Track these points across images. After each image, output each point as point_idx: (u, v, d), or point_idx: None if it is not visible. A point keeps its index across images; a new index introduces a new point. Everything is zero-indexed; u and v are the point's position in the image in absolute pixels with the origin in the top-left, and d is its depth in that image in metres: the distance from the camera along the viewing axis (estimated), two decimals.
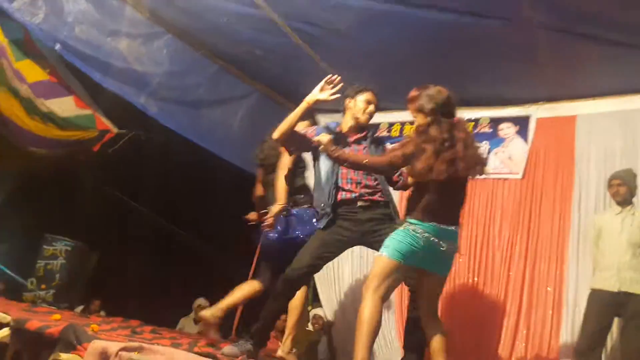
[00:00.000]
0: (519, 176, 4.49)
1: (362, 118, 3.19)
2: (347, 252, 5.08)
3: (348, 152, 2.91)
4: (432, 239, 2.55)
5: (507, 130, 4.62)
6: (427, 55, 4.02)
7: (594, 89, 4.23)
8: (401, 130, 5.09)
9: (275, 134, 3.09)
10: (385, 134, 5.17)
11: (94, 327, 2.68)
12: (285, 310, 3.44)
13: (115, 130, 5.15)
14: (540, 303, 4.18)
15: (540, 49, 3.67)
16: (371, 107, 3.21)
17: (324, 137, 2.80)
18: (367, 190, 3.02)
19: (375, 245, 2.84)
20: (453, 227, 2.63)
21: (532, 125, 4.51)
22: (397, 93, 4.73)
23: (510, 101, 4.59)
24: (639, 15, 3.20)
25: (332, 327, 5.07)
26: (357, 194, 3.01)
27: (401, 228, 2.62)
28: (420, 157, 2.57)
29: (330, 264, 5.09)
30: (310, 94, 3.03)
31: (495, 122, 4.67)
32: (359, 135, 3.18)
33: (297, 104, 5.57)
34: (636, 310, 3.44)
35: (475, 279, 4.49)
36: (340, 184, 3.03)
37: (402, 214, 2.81)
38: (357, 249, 5.08)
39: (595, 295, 3.60)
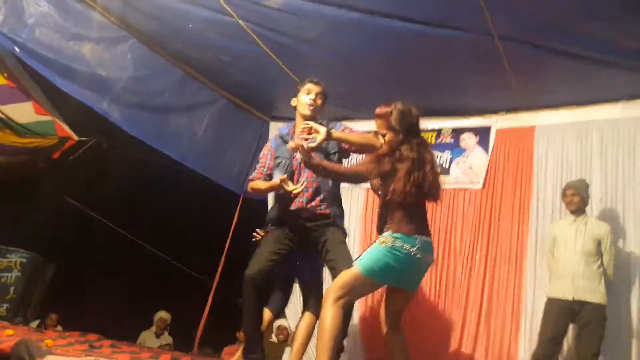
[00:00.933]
0: (479, 186, 4.59)
1: (306, 112, 3.09)
2: None
3: (325, 162, 2.86)
4: (415, 254, 2.55)
5: (468, 140, 4.72)
6: (393, 65, 4.10)
7: (553, 100, 4.37)
8: None
9: (249, 189, 3.27)
10: None
11: (48, 342, 2.60)
12: (260, 316, 3.22)
13: (76, 137, 5.03)
14: (500, 310, 4.24)
15: (501, 60, 3.79)
16: (311, 96, 3.10)
17: (299, 141, 2.72)
18: (315, 204, 3.02)
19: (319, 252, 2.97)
20: (430, 239, 2.68)
21: (492, 136, 4.62)
22: (364, 102, 4.85)
23: (472, 111, 4.70)
24: (598, 28, 3.33)
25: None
26: (305, 205, 3.01)
27: (380, 244, 2.58)
28: (394, 176, 2.59)
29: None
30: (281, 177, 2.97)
31: (457, 132, 4.78)
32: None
33: (263, 112, 5.63)
34: (589, 317, 3.54)
35: (437, 286, 4.54)
36: (302, 194, 2.98)
37: (375, 229, 2.80)
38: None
39: (552, 304, 3.69)
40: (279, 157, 3.11)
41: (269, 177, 3.14)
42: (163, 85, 4.58)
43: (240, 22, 3.89)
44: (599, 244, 3.67)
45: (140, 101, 4.47)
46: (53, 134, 4.97)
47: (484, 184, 4.57)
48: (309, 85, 3.14)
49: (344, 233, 3.10)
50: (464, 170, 4.68)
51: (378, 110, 2.74)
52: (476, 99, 4.54)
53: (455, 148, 4.74)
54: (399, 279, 2.62)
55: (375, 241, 2.63)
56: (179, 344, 6.00)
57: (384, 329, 2.76)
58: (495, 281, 4.33)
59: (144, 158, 5.05)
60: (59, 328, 6.35)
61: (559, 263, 3.74)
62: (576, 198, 3.81)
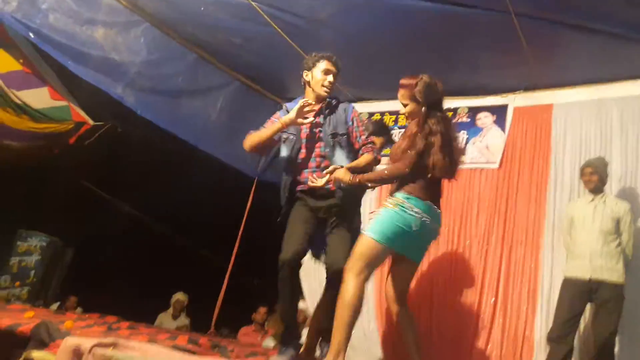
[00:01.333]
0: (496, 165, 4.53)
1: (320, 91, 3.00)
2: None
3: (367, 174, 2.78)
4: (424, 218, 2.56)
5: (484, 119, 4.66)
6: (407, 44, 4.04)
7: (571, 77, 4.28)
8: (381, 120, 5.10)
9: (246, 146, 3.02)
10: None
11: (68, 324, 2.64)
12: (297, 301, 3.20)
13: (91, 122, 5.06)
14: (516, 291, 4.20)
15: (518, 38, 3.72)
16: (330, 78, 3.00)
17: (339, 173, 2.73)
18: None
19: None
20: (439, 211, 2.65)
21: (509, 115, 4.55)
22: (377, 83, 4.81)
23: (488, 90, 4.63)
24: (616, 3, 3.25)
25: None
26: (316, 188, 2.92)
27: (391, 207, 2.56)
28: (429, 150, 2.59)
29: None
30: (287, 116, 2.92)
31: (473, 111, 4.72)
32: (313, 109, 2.98)
33: (276, 94, 5.60)
34: (607, 296, 3.50)
35: (453, 267, 4.53)
36: (307, 170, 2.96)
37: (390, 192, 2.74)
38: None
39: (568, 283, 3.65)
40: (286, 132, 3.02)
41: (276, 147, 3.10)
42: (176, 68, 4.58)
43: (253, 3, 3.86)
44: (617, 222, 3.60)
45: (154, 85, 4.47)
46: (68, 119, 5.00)
47: (500, 164, 4.51)
48: (326, 64, 3.02)
49: (353, 221, 3.02)
50: (480, 150, 4.62)
51: (403, 81, 2.75)
52: (493, 78, 4.47)
53: (472, 127, 4.67)
54: (409, 245, 2.63)
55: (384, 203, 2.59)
56: (196, 325, 6.08)
57: (393, 307, 2.76)
58: (511, 262, 4.29)
59: (159, 142, 5.08)
60: (79, 310, 6.47)
61: (576, 242, 3.69)
62: (594, 177, 3.74)
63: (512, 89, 4.57)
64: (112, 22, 4.12)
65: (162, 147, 5.18)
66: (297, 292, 3.01)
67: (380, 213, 2.59)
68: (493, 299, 4.28)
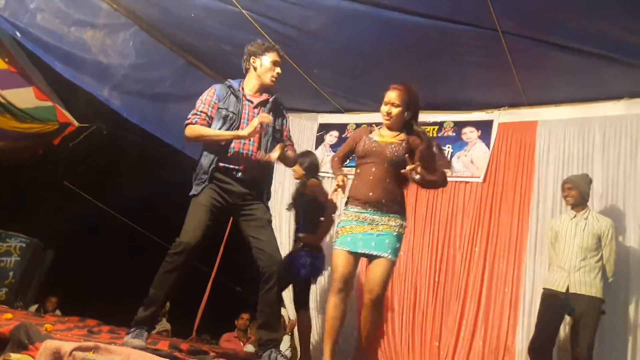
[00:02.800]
0: (480, 179, 4.60)
1: (267, 80, 3.04)
2: None
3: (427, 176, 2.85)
4: None
5: (470, 134, 4.72)
6: (396, 58, 4.08)
7: (555, 96, 4.38)
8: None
9: (187, 134, 2.98)
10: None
11: (48, 327, 2.61)
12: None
13: (76, 123, 5.01)
14: (498, 302, 4.28)
15: (505, 55, 3.78)
16: (277, 69, 3.06)
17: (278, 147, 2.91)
18: (249, 167, 2.92)
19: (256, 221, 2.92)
20: None
21: (494, 130, 4.62)
22: (365, 95, 4.85)
23: (474, 106, 4.70)
24: (602, 25, 3.32)
25: (294, 327, 5.05)
26: (237, 166, 2.90)
27: (400, 232, 2.83)
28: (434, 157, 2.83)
29: None
30: (243, 131, 2.87)
31: (459, 126, 4.78)
32: (261, 99, 3.03)
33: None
34: (584, 309, 3.58)
35: (436, 278, 4.58)
36: (233, 154, 2.91)
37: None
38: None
39: (547, 295, 3.75)
40: (224, 109, 2.97)
41: (209, 118, 2.99)
42: (164, 73, 4.57)
43: (244, 11, 3.87)
44: (599, 238, 3.69)
45: (141, 89, 4.45)
46: (53, 120, 4.95)
47: (484, 178, 4.58)
48: (276, 56, 3.05)
49: (269, 211, 3.04)
50: (465, 164, 4.68)
51: (397, 85, 2.91)
52: (479, 94, 4.53)
53: (457, 142, 4.74)
54: None
55: (394, 225, 2.79)
56: (178, 331, 6.03)
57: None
58: (494, 274, 4.36)
59: (144, 145, 5.04)
60: (58, 312, 6.37)
61: (558, 256, 3.78)
62: (573, 192, 3.82)
63: (497, 105, 4.64)
64: (101, 24, 4.09)
65: (147, 150, 5.15)
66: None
67: (395, 237, 2.81)
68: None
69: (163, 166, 5.45)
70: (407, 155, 2.81)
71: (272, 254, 2.89)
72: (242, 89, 3.08)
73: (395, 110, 2.87)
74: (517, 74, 4.05)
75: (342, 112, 5.30)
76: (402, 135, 2.90)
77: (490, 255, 4.42)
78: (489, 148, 4.61)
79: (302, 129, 5.37)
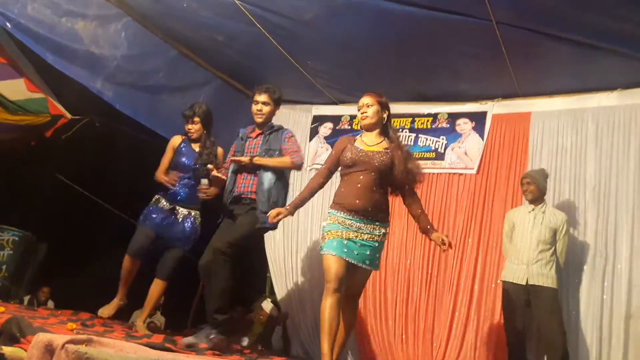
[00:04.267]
0: (474, 171, 4.60)
1: (256, 120, 3.63)
2: (305, 244, 5.13)
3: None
4: None
5: (464, 125, 4.71)
6: (390, 48, 4.07)
7: (549, 87, 4.37)
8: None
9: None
10: (346, 127, 5.19)
11: (70, 325, 2.63)
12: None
13: (68, 115, 4.96)
14: (490, 294, 4.30)
15: (499, 46, 3.77)
16: (258, 107, 3.60)
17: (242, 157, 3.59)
18: (248, 189, 3.51)
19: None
20: None
21: (488, 121, 4.62)
22: (359, 86, 4.80)
23: (468, 97, 4.69)
24: (596, 15, 3.31)
25: (286, 318, 5.06)
26: (240, 193, 3.52)
27: (383, 239, 3.05)
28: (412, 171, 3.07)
29: (289, 255, 5.14)
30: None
31: (453, 117, 4.77)
32: (257, 133, 3.66)
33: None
34: (543, 299, 3.72)
35: (429, 270, 4.59)
36: (236, 184, 3.55)
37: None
38: (315, 241, 5.12)
39: (507, 287, 3.87)
40: (236, 152, 3.69)
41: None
42: (157, 64, 4.52)
43: (237, 1, 3.83)
44: (555, 232, 3.84)
45: (134, 80, 4.41)
46: (45, 112, 4.90)
47: (478, 169, 4.58)
48: (256, 95, 3.64)
49: (255, 221, 3.42)
50: (459, 155, 4.68)
51: (370, 92, 3.12)
52: (473, 85, 4.53)
53: (451, 133, 4.74)
54: None
55: (377, 235, 2.99)
56: (172, 324, 6.03)
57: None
58: (487, 266, 4.37)
59: (137, 137, 5.00)
60: (51, 303, 6.36)
61: (516, 248, 3.89)
62: (532, 186, 3.94)
63: (491, 97, 4.64)
64: (93, 15, 4.04)
65: (139, 142, 5.10)
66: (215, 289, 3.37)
67: (381, 246, 3.07)
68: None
69: (156, 158, 5.42)
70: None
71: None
72: (247, 130, 3.74)
73: (371, 110, 3.04)
74: (511, 65, 4.04)
75: (336, 104, 5.28)
76: (385, 143, 3.05)
77: (483, 247, 4.43)
78: (482, 139, 4.61)
79: (296, 121, 5.34)
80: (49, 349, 1.64)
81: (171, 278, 4.07)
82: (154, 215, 3.92)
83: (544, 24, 3.53)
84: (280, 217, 3.06)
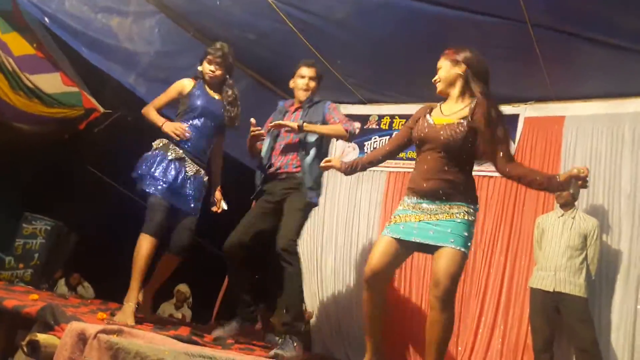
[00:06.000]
0: None
1: (300, 96, 3.39)
2: (331, 243, 5.13)
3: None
4: None
5: None
6: (421, 49, 4.00)
7: (584, 90, 4.27)
8: (390, 124, 5.08)
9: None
10: (374, 126, 5.17)
11: (101, 315, 2.66)
12: (244, 280, 3.42)
13: (101, 109, 5.06)
14: (519, 300, 4.23)
15: (533, 49, 3.70)
16: (304, 81, 3.36)
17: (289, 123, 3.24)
18: (286, 163, 3.27)
19: (284, 209, 3.16)
20: None
21: (520, 124, 4.55)
22: (389, 86, 4.80)
23: (500, 99, 4.58)
24: (633, 18, 3.23)
25: (311, 317, 5.07)
26: (277, 168, 3.27)
27: (469, 219, 2.45)
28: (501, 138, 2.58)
29: (314, 253, 5.14)
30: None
31: None
32: (297, 107, 3.42)
33: (286, 92, 5.59)
34: (573, 307, 3.63)
35: None
36: (272, 160, 3.30)
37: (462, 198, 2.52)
38: (340, 240, 5.12)
39: (534, 294, 3.81)
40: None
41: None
42: (189, 61, 4.52)
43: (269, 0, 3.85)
44: (585, 238, 3.75)
45: (166, 76, 4.44)
46: (79, 106, 5.00)
47: None
48: (303, 69, 3.39)
49: (305, 201, 3.20)
50: None
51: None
52: (505, 87, 4.43)
53: None
54: None
55: (457, 213, 2.44)
56: (198, 317, 6.11)
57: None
58: (515, 271, 4.31)
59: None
60: (86, 284, 6.53)
61: (544, 254, 3.82)
62: (565, 192, 3.78)
63: (524, 99, 4.56)
64: (127, 11, 4.12)
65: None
66: (236, 276, 3.31)
67: (463, 224, 2.44)
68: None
69: None
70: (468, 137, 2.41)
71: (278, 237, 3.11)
72: (286, 104, 3.53)
73: (441, 72, 2.58)
74: (545, 67, 3.97)
75: (364, 104, 5.26)
76: (466, 111, 2.49)
77: (512, 251, 4.37)
78: (514, 142, 4.53)
79: None
80: (82, 338, 1.67)
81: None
82: (162, 177, 3.14)
83: (581, 26, 3.45)
84: (330, 165, 2.80)
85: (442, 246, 2.40)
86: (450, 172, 2.46)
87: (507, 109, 4.60)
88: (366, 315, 2.57)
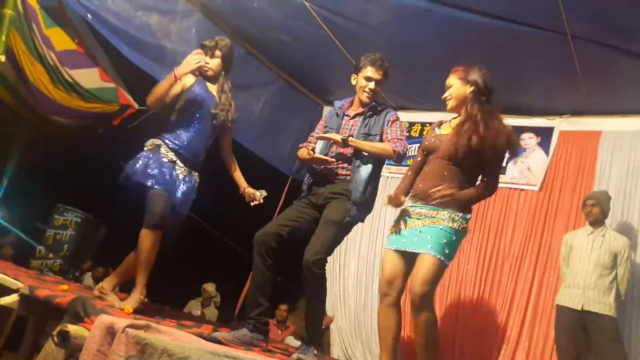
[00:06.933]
0: (537, 188, 4.45)
1: (363, 98, 3.04)
2: (354, 248, 5.11)
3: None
4: None
5: (528, 140, 4.58)
6: (456, 57, 3.92)
7: (622, 105, 4.18)
8: (421, 131, 5.05)
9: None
10: (405, 133, 5.13)
11: (127, 309, 2.70)
12: (268, 283, 2.99)
13: (136, 106, 5.14)
14: (545, 317, 4.15)
15: (572, 61, 3.63)
16: (371, 85, 3.00)
17: (334, 135, 2.93)
18: (336, 165, 2.95)
19: (322, 216, 2.88)
20: None
21: (554, 138, 4.47)
22: (422, 94, 4.77)
23: (535, 111, 4.54)
24: None
25: (331, 322, 5.06)
26: (326, 170, 2.97)
27: (455, 228, 2.47)
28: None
29: (337, 261, 5.12)
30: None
31: (517, 131, 4.60)
32: (357, 112, 3.07)
33: (318, 96, 5.60)
34: (602, 326, 3.53)
35: (482, 286, 4.47)
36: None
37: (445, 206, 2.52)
38: (364, 246, 5.10)
39: (561, 312, 3.71)
40: (327, 127, 3.12)
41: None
42: None
43: (306, 3, 3.86)
44: (615, 257, 3.65)
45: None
46: (115, 101, 5.08)
47: (541, 186, 4.43)
48: (370, 70, 3.02)
49: (346, 214, 2.87)
50: (522, 171, 4.54)
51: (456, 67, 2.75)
52: (541, 99, 4.38)
53: None
54: None
55: (441, 219, 2.46)
56: (221, 316, 6.16)
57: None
58: (543, 287, 4.23)
59: None
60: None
61: (572, 272, 3.73)
62: (596, 209, 3.77)
63: (559, 112, 4.48)
64: (166, 10, 4.19)
65: None
66: (261, 271, 2.92)
67: (445, 232, 2.46)
68: None
69: (216, 152, 5.53)
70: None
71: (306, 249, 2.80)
72: (344, 105, 3.15)
73: (452, 90, 2.64)
74: (583, 80, 3.89)
75: (396, 110, 5.22)
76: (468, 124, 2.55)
77: (540, 267, 4.29)
78: (548, 156, 4.45)
79: None
80: (110, 331, 1.70)
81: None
82: (159, 174, 2.98)
83: (622, 40, 3.38)
84: (392, 203, 2.64)
85: (421, 253, 2.46)
86: (448, 177, 2.53)
87: (541, 121, 4.56)
88: (381, 327, 2.60)
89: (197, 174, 3.20)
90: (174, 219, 3.16)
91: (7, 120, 5.09)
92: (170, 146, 3.04)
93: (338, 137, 2.88)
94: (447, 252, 2.46)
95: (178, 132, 3.06)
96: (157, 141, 3.07)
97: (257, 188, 3.64)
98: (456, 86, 2.64)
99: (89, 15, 3.84)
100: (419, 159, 2.76)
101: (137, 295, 2.91)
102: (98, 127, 5.52)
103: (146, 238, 3.01)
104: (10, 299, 2.37)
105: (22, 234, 6.44)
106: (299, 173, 5.46)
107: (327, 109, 5.40)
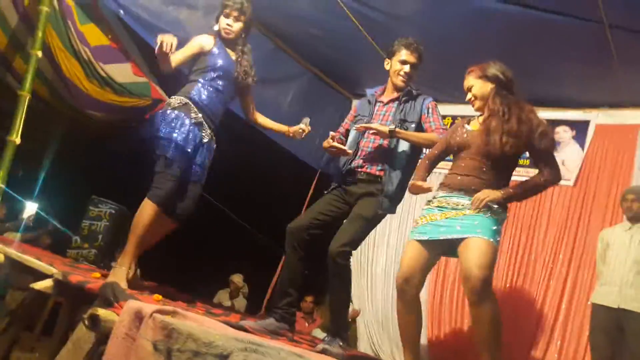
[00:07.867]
0: (571, 183, 4.34)
1: (397, 82, 2.99)
2: (383, 242, 5.08)
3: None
4: None
5: (563, 134, 4.46)
6: (489, 49, 3.86)
7: None
8: (452, 124, 4.96)
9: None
10: None
11: (157, 297, 2.73)
12: (298, 274, 2.96)
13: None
14: (579, 314, 4.06)
15: (609, 52, 3.52)
16: (406, 68, 2.95)
17: (381, 127, 2.84)
18: (370, 163, 2.91)
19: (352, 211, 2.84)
20: None
21: (590, 131, 4.35)
22: (453, 86, 4.66)
23: (570, 104, 4.43)
24: None
25: (357, 315, 5.05)
26: (358, 165, 2.92)
27: (494, 216, 2.40)
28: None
29: (365, 254, 5.10)
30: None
31: (552, 124, 4.47)
32: (391, 97, 3.02)
33: (347, 89, 5.57)
34: (637, 327, 3.41)
35: (514, 283, 4.38)
36: (355, 157, 2.95)
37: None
38: (392, 241, 5.06)
39: (597, 310, 3.61)
40: (359, 115, 3.09)
41: (347, 132, 3.14)
42: (255, 57, 4.60)
43: None
44: None
45: None
46: (147, 95, 5.17)
47: (575, 182, 4.32)
48: (405, 54, 2.97)
49: (376, 210, 2.84)
50: None
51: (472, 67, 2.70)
52: (577, 91, 4.26)
53: None
54: None
55: (484, 209, 2.38)
56: (255, 308, 6.23)
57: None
58: (577, 284, 4.13)
59: (228, 125, 5.17)
60: (137, 272, 6.76)
61: (609, 269, 3.62)
62: (636, 204, 3.66)
63: (595, 105, 4.36)
64: (197, 5, 4.24)
65: (230, 130, 5.27)
66: (292, 263, 2.92)
67: (489, 221, 2.40)
68: None
69: (244, 146, 5.58)
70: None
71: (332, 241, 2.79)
72: (376, 93, 3.10)
73: (476, 88, 2.60)
74: (621, 72, 3.76)
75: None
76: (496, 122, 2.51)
77: (574, 263, 4.19)
78: (583, 150, 4.34)
79: None
80: (139, 316, 1.73)
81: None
82: (182, 143, 2.93)
83: None
84: (421, 191, 2.61)
85: (468, 237, 2.34)
86: (487, 173, 2.49)
87: (577, 114, 4.44)
88: (401, 323, 2.53)
89: (215, 138, 3.19)
90: (191, 183, 3.14)
91: (45, 115, 5.23)
92: (200, 105, 2.99)
93: (385, 128, 2.79)
94: (498, 239, 2.40)
95: (202, 92, 3.01)
96: (185, 99, 2.99)
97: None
98: (477, 86, 2.61)
99: (121, 11, 3.92)
100: (436, 151, 2.73)
101: (121, 270, 2.78)
102: (131, 121, 5.64)
103: (146, 210, 2.96)
104: (45, 284, 2.46)
105: (59, 224, 6.62)
106: (327, 166, 5.46)
107: (355, 102, 5.39)
